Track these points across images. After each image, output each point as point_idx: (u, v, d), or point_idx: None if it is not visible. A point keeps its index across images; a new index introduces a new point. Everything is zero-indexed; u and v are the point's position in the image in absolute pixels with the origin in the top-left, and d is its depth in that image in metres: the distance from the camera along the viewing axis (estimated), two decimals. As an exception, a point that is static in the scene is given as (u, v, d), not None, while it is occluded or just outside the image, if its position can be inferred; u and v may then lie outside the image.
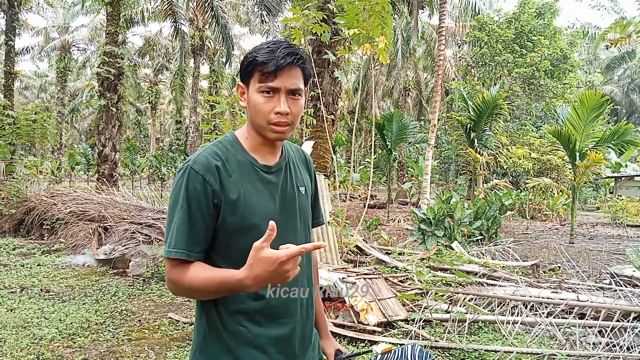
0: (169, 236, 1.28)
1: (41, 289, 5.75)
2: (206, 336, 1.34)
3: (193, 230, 1.26)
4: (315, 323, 1.53)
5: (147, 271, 6.56)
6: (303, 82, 1.34)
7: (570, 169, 12.45)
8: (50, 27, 32.16)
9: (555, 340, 4.22)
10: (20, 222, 9.88)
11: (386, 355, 1.48)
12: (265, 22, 16.27)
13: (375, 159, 11.36)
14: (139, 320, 4.72)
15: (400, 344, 1.54)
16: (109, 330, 4.39)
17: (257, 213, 1.31)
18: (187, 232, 1.26)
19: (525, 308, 4.63)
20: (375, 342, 4.09)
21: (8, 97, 16.37)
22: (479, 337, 4.34)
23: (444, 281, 5.38)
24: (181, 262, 1.26)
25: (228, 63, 23.73)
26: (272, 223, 1.10)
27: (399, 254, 7.42)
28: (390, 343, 1.47)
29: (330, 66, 10.76)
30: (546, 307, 4.62)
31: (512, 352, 3.86)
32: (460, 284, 5.12)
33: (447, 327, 4.39)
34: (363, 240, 7.69)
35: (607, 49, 20.95)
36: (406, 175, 24.63)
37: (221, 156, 1.31)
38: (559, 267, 7.38)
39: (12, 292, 5.59)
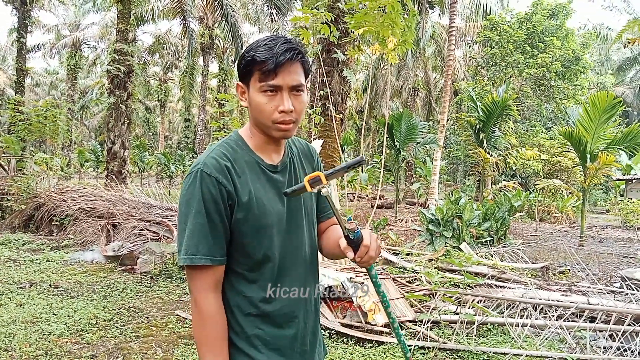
0: (185, 242, 1.23)
1: (50, 285, 5.78)
2: None
3: (214, 235, 1.23)
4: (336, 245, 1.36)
5: (155, 268, 6.58)
6: (304, 76, 1.31)
7: (580, 170, 12.33)
8: (61, 24, 32.44)
9: (565, 343, 4.17)
10: (30, 217, 9.95)
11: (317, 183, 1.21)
12: (275, 20, 16.28)
13: (383, 158, 11.31)
14: (147, 317, 4.73)
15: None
16: (116, 327, 4.41)
17: (269, 213, 1.29)
18: (208, 236, 1.22)
19: (535, 311, 4.59)
20: (383, 343, 4.07)
21: (19, 94, 16.52)
22: (487, 339, 4.30)
23: (452, 282, 5.35)
24: (208, 276, 1.23)
25: (237, 62, 23.78)
26: None
27: (407, 254, 7.39)
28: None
29: (339, 65, 10.74)
30: (556, 310, 4.57)
31: (522, 355, 3.82)
32: (468, 286, 5.08)
33: (455, 329, 4.36)
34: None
35: (625, 47, 20.74)
36: (414, 175, 24.54)
37: (229, 157, 1.28)
38: (569, 269, 7.30)
39: (21, 288, 5.63)
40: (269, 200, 1.31)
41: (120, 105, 13.63)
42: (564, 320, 4.36)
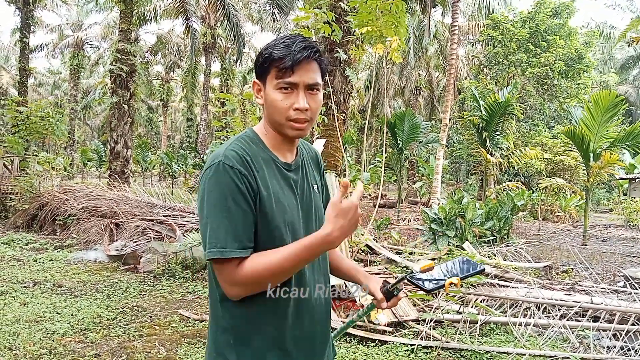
0: (213, 236, 1.18)
1: (53, 284, 5.80)
2: (230, 340, 1.29)
3: (244, 226, 1.20)
4: (350, 275, 1.56)
5: (158, 267, 6.58)
6: (320, 76, 1.31)
7: (583, 169, 12.30)
8: (64, 24, 32.47)
9: (569, 343, 4.16)
10: (33, 217, 9.98)
11: (428, 271, 1.43)
12: (277, 20, 16.29)
13: (385, 158, 11.30)
14: (150, 317, 4.74)
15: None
16: (120, 326, 4.42)
17: (285, 210, 1.29)
18: (237, 228, 1.19)
19: (538, 310, 4.58)
20: (386, 342, 4.07)
21: (22, 94, 16.57)
22: (490, 338, 4.30)
23: (455, 282, 5.33)
24: (237, 262, 1.20)
25: (239, 61, 23.78)
26: (345, 180, 1.14)
27: (410, 253, 7.39)
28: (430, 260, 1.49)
29: (341, 64, 10.73)
30: (559, 310, 4.56)
31: (525, 355, 3.82)
32: (471, 285, 5.07)
33: (458, 328, 4.36)
34: (373, 239, 7.65)
35: (628, 46, 20.67)
36: (417, 174, 24.51)
37: (247, 151, 1.27)
38: (572, 269, 7.29)
39: (25, 287, 5.65)
40: (285, 197, 1.30)
41: (123, 104, 13.66)
42: (567, 320, 4.35)
